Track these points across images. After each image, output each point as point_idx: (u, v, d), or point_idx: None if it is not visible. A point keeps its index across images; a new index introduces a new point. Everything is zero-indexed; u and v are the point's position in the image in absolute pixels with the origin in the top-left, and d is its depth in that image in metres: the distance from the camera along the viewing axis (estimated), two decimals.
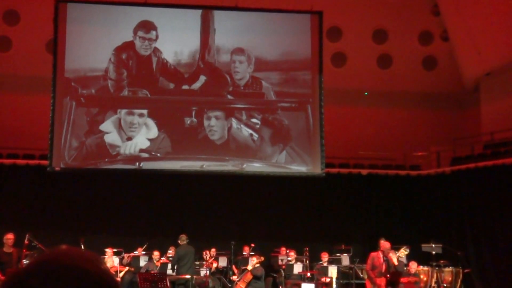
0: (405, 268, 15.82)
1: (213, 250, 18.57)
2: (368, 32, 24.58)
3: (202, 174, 19.97)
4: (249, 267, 16.57)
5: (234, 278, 17.24)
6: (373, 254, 14.70)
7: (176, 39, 20.18)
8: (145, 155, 19.39)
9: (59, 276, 1.40)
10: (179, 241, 16.20)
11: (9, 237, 13.38)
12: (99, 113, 19.56)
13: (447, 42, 23.99)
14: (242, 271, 17.24)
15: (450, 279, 17.85)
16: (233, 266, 18.16)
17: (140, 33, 19.92)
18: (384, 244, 14.53)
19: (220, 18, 20.38)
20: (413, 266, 16.11)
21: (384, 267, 14.29)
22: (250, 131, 19.86)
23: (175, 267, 16.22)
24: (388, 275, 14.03)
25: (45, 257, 1.45)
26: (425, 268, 17.83)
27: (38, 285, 1.38)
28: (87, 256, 1.48)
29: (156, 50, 19.98)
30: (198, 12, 20.29)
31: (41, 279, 1.39)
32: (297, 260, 17.86)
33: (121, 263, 16.83)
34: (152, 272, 15.88)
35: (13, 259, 13.12)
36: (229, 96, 20.04)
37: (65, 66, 19.37)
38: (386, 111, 24.37)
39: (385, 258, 14.35)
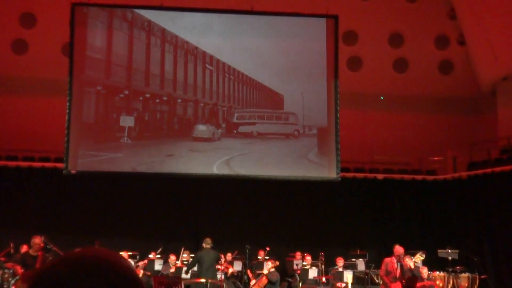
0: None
1: (228, 255, 18.51)
2: (384, 36, 24.50)
3: (217, 178, 19.96)
4: (264, 272, 16.53)
5: (253, 282, 17.18)
6: (386, 259, 14.64)
7: (196, 41, 20.24)
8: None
9: (87, 267, 1.41)
10: (203, 244, 16.15)
11: (37, 241, 13.45)
12: (116, 115, 19.64)
13: (463, 46, 23.87)
14: (257, 276, 17.19)
15: (466, 285, 17.71)
16: (248, 271, 18.11)
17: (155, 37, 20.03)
18: (398, 249, 14.46)
19: (235, 22, 20.41)
20: (424, 271, 15.92)
21: (398, 272, 14.21)
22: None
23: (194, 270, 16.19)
24: (403, 280, 13.96)
25: (72, 253, 1.46)
26: (441, 273, 17.71)
27: (66, 275, 1.38)
28: (111, 252, 1.49)
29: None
30: (213, 15, 20.35)
31: (69, 270, 1.40)
32: (312, 264, 17.80)
33: (136, 268, 16.81)
34: (167, 275, 15.86)
35: (37, 263, 13.15)
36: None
37: (82, 68, 19.43)
38: (402, 115, 24.27)
39: (399, 263, 14.28)
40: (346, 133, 20.90)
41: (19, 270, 13.16)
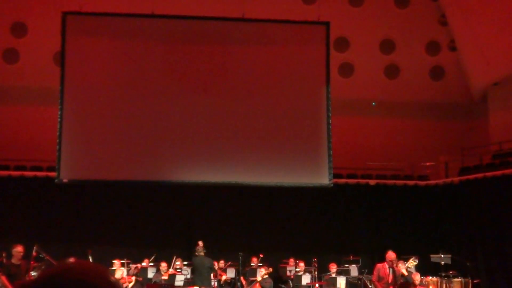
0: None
1: (221, 262, 18.51)
2: (375, 42, 24.57)
3: (210, 185, 19.91)
4: (258, 278, 16.52)
5: None
6: (378, 265, 14.66)
7: (187, 48, 20.19)
8: None
9: None
10: (195, 252, 16.16)
11: (19, 249, 13.39)
12: (108, 124, 19.54)
13: (454, 52, 23.96)
14: (251, 283, 17.19)
15: None
16: (241, 278, 18.10)
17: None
18: (390, 255, 14.45)
19: (225, 28, 20.39)
20: (417, 277, 15.57)
21: (390, 278, 14.22)
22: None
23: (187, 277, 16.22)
24: (395, 286, 13.97)
25: (54, 271, 1.42)
26: (434, 278, 17.73)
27: None
28: (96, 269, 1.45)
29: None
30: (205, 23, 20.32)
31: None
32: (305, 271, 17.81)
33: (128, 274, 16.80)
34: (160, 283, 15.85)
35: (21, 271, 13.11)
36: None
37: (74, 77, 19.35)
38: (394, 121, 24.33)
39: (391, 269, 14.29)
40: (338, 140, 20.91)
41: (4, 279, 13.09)
